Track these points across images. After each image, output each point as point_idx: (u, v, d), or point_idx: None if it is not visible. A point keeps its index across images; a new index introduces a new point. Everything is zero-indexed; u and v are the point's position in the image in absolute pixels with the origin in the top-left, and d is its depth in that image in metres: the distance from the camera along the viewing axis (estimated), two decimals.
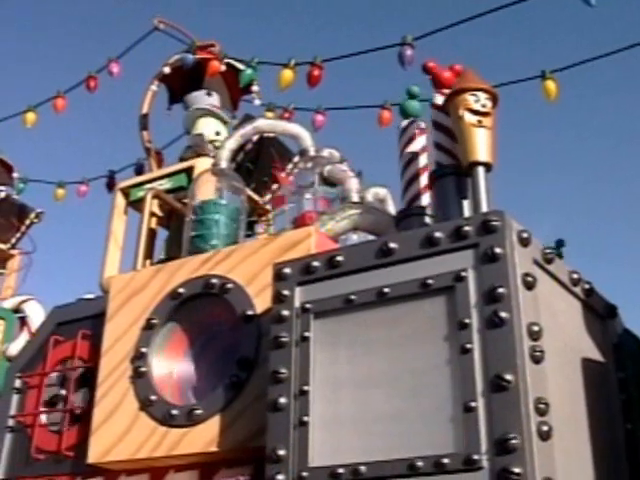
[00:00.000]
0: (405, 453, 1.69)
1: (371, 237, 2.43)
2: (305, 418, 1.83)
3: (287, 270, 2.00)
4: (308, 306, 1.94)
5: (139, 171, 4.05)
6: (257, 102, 3.67)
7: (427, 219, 2.26)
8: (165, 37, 3.74)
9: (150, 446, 2.24)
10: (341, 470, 1.74)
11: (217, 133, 3.47)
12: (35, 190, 4.29)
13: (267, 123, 2.70)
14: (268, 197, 3.17)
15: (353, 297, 1.89)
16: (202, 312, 2.34)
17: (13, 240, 4.13)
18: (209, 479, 2.20)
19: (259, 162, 3.20)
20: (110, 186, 4.13)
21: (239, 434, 2.10)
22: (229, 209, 2.57)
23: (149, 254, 2.86)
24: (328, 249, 2.08)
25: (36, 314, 3.69)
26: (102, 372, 2.43)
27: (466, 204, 2.08)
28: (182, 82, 3.68)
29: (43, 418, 2.66)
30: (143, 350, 2.35)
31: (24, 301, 3.71)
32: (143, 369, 2.33)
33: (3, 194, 3.96)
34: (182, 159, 3.32)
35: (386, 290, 1.85)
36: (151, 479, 2.32)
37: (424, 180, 2.31)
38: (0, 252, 4.15)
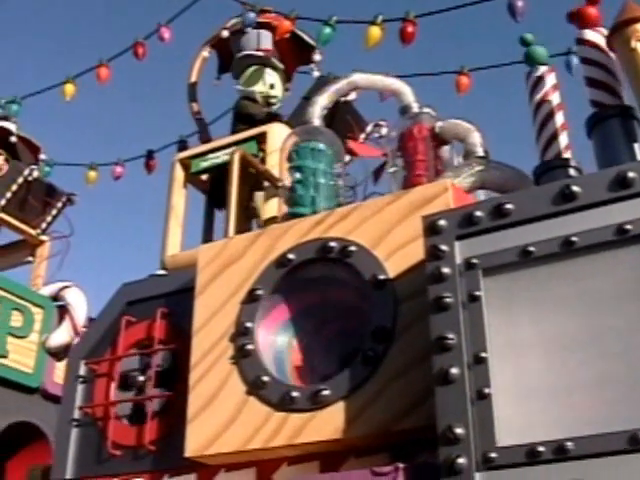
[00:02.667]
0: (623, 424, 1.41)
1: (495, 194, 2.16)
2: (486, 390, 1.54)
3: (442, 222, 1.72)
4: (475, 261, 1.65)
5: (183, 148, 3.75)
6: (316, 73, 3.38)
7: (572, 171, 2.00)
8: (216, 3, 3.44)
9: (264, 435, 1.93)
10: (542, 448, 1.45)
11: (271, 86, 3.15)
12: (65, 172, 3.95)
13: (364, 77, 2.42)
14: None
15: (531, 249, 1.61)
16: (317, 279, 2.04)
17: (43, 225, 3.79)
18: (332, 471, 1.90)
19: (332, 129, 2.92)
20: (149, 166, 3.82)
21: (377, 417, 1.80)
22: (328, 158, 2.28)
23: (242, 221, 2.56)
24: (480, 200, 1.81)
25: (79, 302, 3.36)
26: (195, 353, 2.12)
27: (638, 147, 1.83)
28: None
29: (118, 409, 2.33)
30: (248, 325, 2.05)
31: (64, 288, 3.37)
32: (250, 347, 2.02)
33: (36, 173, 3.62)
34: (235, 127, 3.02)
35: (574, 239, 1.58)
36: (258, 474, 2.02)
37: (560, 119, 2.06)
38: (30, 238, 3.80)
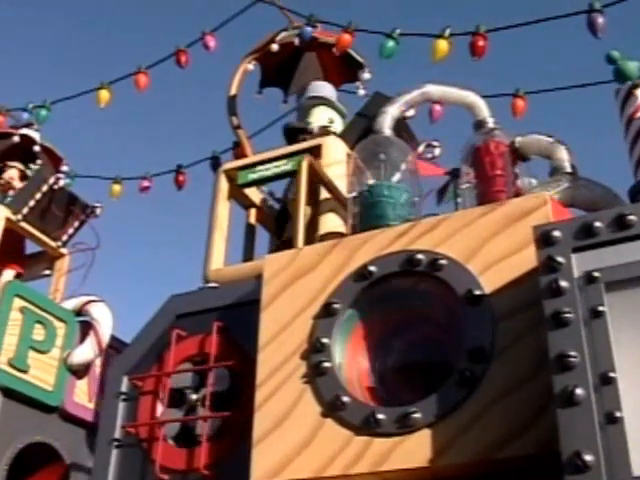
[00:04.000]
0: None
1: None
2: (617, 413, 1.40)
3: (557, 233, 1.59)
4: (596, 275, 1.53)
5: (216, 164, 3.64)
6: (361, 92, 3.29)
7: None
8: (261, 13, 3.34)
9: (344, 461, 1.76)
10: None
11: (330, 121, 3.09)
12: (86, 184, 3.78)
13: (438, 89, 2.31)
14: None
15: None
16: (402, 293, 1.91)
17: (64, 237, 3.61)
18: None
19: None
20: (178, 182, 3.69)
21: (474, 443, 1.65)
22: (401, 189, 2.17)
23: (312, 231, 2.42)
24: (584, 215, 1.70)
25: (105, 318, 3.17)
26: (262, 370, 1.96)
27: None
28: (279, 63, 3.30)
29: (166, 429, 2.16)
30: (324, 341, 1.90)
31: (89, 302, 3.18)
32: (326, 364, 1.87)
33: (62, 182, 3.45)
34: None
35: None
36: None
37: None
38: (50, 250, 3.62)
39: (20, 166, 3.71)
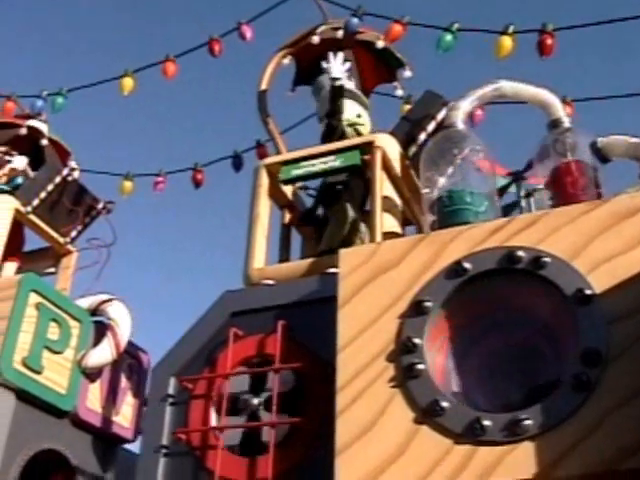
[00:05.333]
0: None
1: None
2: None
3: None
4: None
5: (238, 163, 3.49)
6: (399, 92, 3.17)
7: None
8: (301, 6, 3.21)
9: (445, 471, 1.62)
10: None
11: (358, 115, 2.95)
12: (95, 180, 3.56)
13: (511, 86, 2.20)
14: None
15: None
16: (498, 292, 1.79)
17: (73, 233, 3.39)
18: None
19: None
20: (196, 180, 3.52)
21: (596, 452, 1.54)
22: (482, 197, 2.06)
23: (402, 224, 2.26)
24: None
25: (123, 318, 2.96)
26: (343, 373, 1.80)
27: None
28: (314, 60, 3.17)
29: (223, 436, 1.99)
30: (416, 341, 1.76)
31: (105, 302, 2.97)
32: (420, 366, 1.73)
33: (76, 174, 3.24)
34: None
35: None
36: None
37: None
38: (57, 246, 3.40)
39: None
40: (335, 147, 2.62)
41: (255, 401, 2.01)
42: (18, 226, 3.35)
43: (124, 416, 3.09)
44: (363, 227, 2.70)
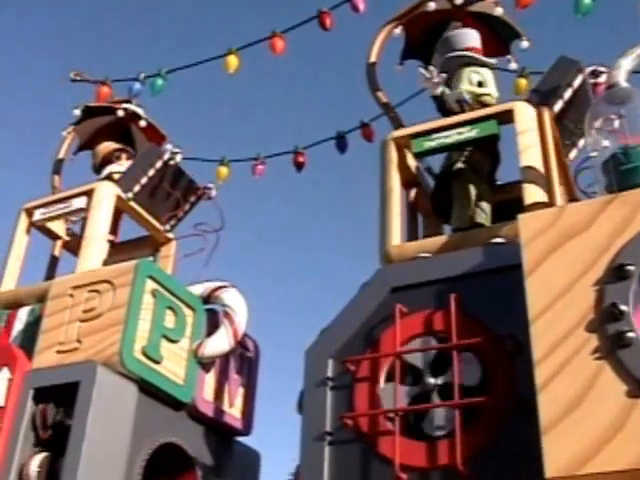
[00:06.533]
0: None
1: None
2: None
3: None
4: None
5: (342, 144, 3.36)
6: (513, 65, 3.02)
7: None
8: None
9: None
10: None
11: (480, 84, 2.78)
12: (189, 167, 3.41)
13: None
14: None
15: None
16: None
17: (173, 221, 3.28)
18: None
19: (573, 108, 2.54)
20: (298, 163, 3.40)
21: None
22: None
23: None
24: None
25: (239, 305, 2.84)
26: (540, 345, 1.65)
27: None
28: (423, 33, 3.03)
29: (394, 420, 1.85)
30: (622, 308, 1.61)
31: (219, 288, 2.85)
32: (630, 334, 1.58)
33: (179, 158, 3.12)
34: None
35: None
36: None
37: None
38: (156, 234, 3.28)
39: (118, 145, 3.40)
40: (470, 117, 2.47)
41: (431, 381, 1.87)
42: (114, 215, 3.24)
43: (237, 407, 2.97)
44: (485, 205, 2.57)
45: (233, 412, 2.94)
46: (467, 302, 1.90)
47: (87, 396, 2.40)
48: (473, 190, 2.56)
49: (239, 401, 2.98)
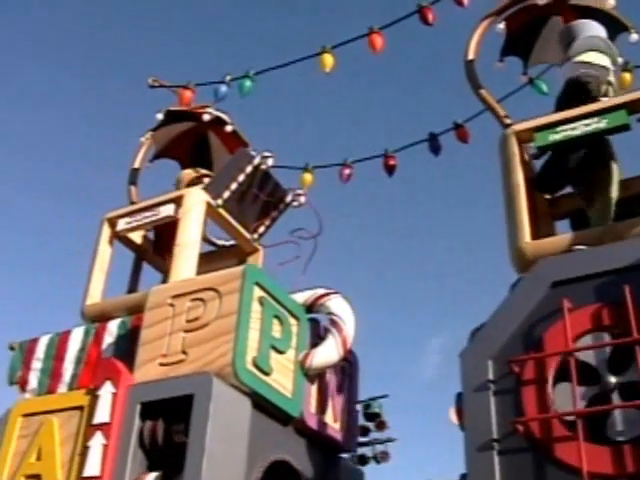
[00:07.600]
0: None
1: None
2: None
3: None
4: None
5: (435, 146, 3.24)
6: (619, 60, 2.91)
7: None
8: None
9: None
10: None
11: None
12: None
13: None
14: None
15: None
16: None
17: (261, 229, 3.15)
18: None
19: None
20: (389, 167, 3.28)
21: None
22: None
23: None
24: None
25: (346, 313, 2.68)
26: None
27: None
28: (522, 28, 2.92)
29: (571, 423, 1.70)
30: None
31: (323, 296, 2.70)
32: None
33: (270, 162, 2.98)
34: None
35: None
36: None
37: None
38: (244, 243, 3.14)
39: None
40: (598, 108, 2.34)
41: (612, 380, 1.72)
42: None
43: (341, 422, 2.81)
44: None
45: (337, 426, 2.78)
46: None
47: (203, 410, 2.24)
48: (616, 183, 2.46)
49: (341, 415, 2.83)
